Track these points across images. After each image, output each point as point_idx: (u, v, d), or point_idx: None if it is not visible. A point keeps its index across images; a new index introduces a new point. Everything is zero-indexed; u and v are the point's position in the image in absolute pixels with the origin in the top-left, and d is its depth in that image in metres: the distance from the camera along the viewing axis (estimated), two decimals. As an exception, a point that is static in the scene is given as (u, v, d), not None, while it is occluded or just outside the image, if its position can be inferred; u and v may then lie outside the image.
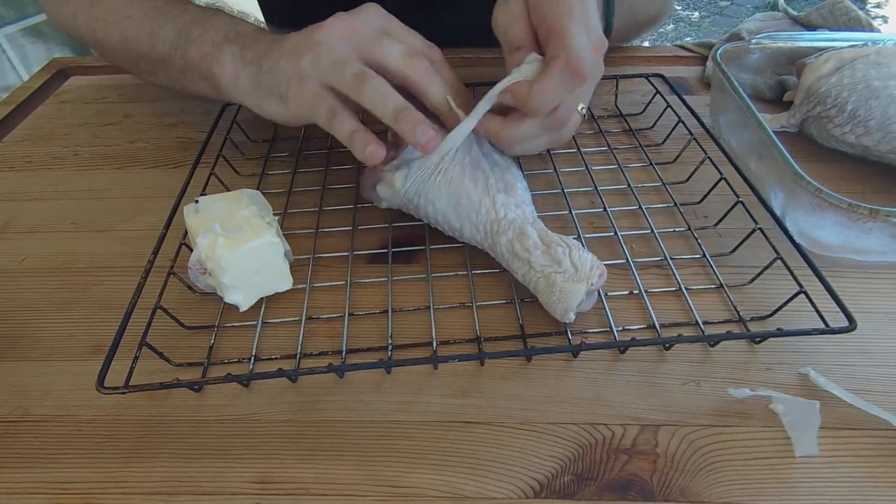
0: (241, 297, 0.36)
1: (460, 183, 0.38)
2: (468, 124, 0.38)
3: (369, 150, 0.37)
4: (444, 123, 0.40)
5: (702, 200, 0.44)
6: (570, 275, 0.34)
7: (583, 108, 0.41)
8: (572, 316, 0.34)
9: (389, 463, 0.30)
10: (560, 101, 0.37)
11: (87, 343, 0.37)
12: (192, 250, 0.36)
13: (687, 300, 0.37)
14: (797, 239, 0.37)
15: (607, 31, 0.47)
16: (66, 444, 0.32)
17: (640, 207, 0.44)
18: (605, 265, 0.40)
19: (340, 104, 0.38)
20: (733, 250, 0.40)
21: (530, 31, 0.39)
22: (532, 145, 0.41)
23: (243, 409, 0.33)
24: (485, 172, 0.39)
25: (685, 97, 0.51)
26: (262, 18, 0.79)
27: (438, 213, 0.39)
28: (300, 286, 0.39)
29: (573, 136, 0.51)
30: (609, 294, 0.38)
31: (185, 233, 0.39)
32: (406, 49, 0.38)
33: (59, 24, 0.56)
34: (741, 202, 0.41)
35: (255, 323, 0.37)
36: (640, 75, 0.57)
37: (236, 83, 0.42)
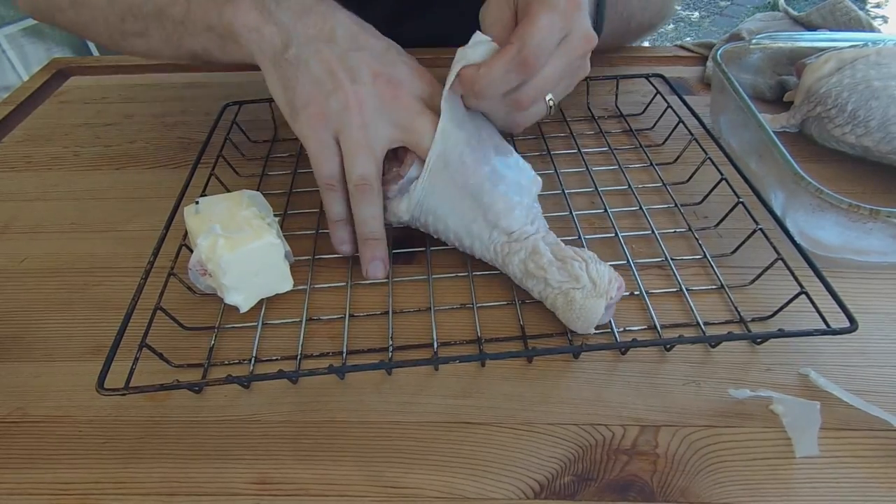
0: (242, 298, 0.36)
1: (464, 200, 0.37)
2: (441, 126, 0.36)
3: (345, 248, 0.40)
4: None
5: (702, 201, 0.44)
6: (589, 290, 0.33)
7: (551, 100, 0.39)
8: (593, 330, 0.34)
9: (389, 463, 0.30)
10: (507, 87, 0.35)
11: (86, 343, 0.37)
12: (192, 251, 0.36)
13: (688, 301, 0.37)
14: (798, 239, 0.37)
15: (597, 31, 0.47)
16: (65, 444, 0.32)
17: (641, 208, 0.44)
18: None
19: (342, 185, 0.38)
20: (734, 251, 0.40)
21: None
22: (494, 117, 0.40)
23: (243, 409, 0.33)
24: (491, 186, 0.37)
25: (685, 97, 0.51)
26: None
27: (450, 231, 0.38)
28: (301, 287, 0.39)
29: (574, 137, 0.51)
30: (609, 294, 0.38)
31: (186, 234, 0.39)
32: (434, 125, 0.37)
33: (32, 10, 0.51)
34: (742, 203, 0.41)
35: (256, 324, 0.37)
36: (641, 76, 0.57)
37: (256, 37, 0.37)
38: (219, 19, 0.38)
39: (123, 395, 0.31)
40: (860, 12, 0.60)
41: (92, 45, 1.82)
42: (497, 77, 0.34)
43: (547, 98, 0.38)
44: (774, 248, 0.38)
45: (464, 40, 0.37)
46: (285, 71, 0.37)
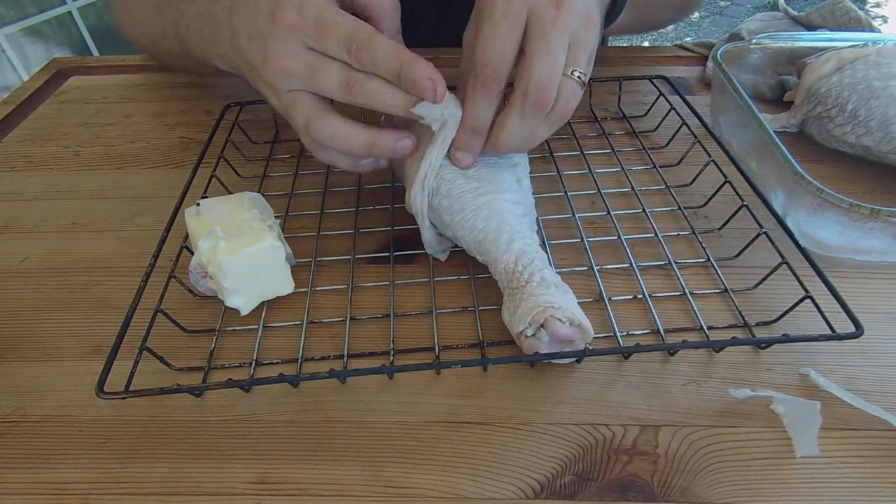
0: (242, 300, 0.36)
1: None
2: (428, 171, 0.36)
3: (402, 144, 0.36)
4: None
5: (706, 203, 0.44)
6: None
7: (577, 72, 0.34)
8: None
9: (390, 464, 0.30)
10: (530, 134, 0.35)
11: (87, 344, 0.37)
12: (192, 253, 0.36)
13: (691, 304, 0.37)
14: (798, 239, 0.37)
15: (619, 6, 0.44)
16: (65, 444, 0.32)
17: (644, 210, 0.44)
18: (609, 268, 0.40)
19: (327, 107, 0.36)
20: (738, 254, 0.40)
21: None
22: (533, 139, 0.37)
23: (243, 409, 0.33)
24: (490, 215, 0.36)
25: (686, 97, 0.51)
26: None
27: (470, 246, 0.37)
28: (302, 289, 0.39)
29: (576, 139, 0.51)
30: (613, 298, 0.38)
31: (186, 235, 0.39)
32: (342, 75, 0.34)
33: (124, 35, 0.61)
34: (746, 206, 0.41)
35: (257, 326, 0.37)
36: (644, 77, 0.57)
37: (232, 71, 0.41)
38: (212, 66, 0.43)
39: (123, 398, 0.31)
40: (860, 12, 0.60)
41: (92, 45, 1.82)
42: (477, 112, 0.34)
43: (572, 72, 0.34)
44: (778, 251, 0.37)
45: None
46: (224, 33, 0.39)
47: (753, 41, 0.54)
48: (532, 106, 0.34)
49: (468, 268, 0.40)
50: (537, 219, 0.40)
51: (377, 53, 0.33)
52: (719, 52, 0.50)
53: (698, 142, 0.48)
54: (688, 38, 2.84)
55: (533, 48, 0.33)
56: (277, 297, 0.38)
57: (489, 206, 0.36)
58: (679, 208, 0.44)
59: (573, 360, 0.34)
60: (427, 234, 0.39)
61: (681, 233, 0.42)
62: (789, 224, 0.38)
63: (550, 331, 0.31)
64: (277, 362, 0.35)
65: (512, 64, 0.34)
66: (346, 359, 0.35)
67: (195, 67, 0.52)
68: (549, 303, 0.31)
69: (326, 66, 0.35)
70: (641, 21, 0.56)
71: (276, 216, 0.40)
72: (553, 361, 0.34)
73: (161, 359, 0.34)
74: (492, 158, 0.39)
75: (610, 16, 0.45)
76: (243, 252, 0.34)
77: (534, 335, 0.31)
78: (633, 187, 0.46)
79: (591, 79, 0.42)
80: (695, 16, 3.04)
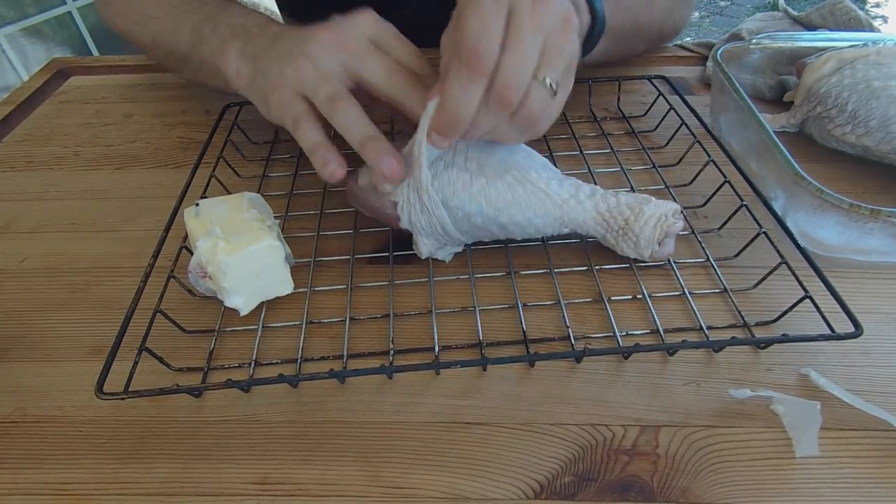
0: (242, 300, 0.36)
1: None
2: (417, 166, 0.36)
3: (328, 170, 0.36)
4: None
5: (705, 203, 0.44)
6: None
7: (549, 78, 0.32)
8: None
9: (389, 464, 0.30)
10: (474, 97, 0.32)
11: (87, 344, 0.37)
12: (192, 254, 0.36)
13: (691, 304, 0.37)
14: (798, 239, 0.37)
15: (599, 21, 0.44)
16: (65, 444, 0.32)
17: (642, 209, 0.44)
18: (608, 268, 0.40)
19: (309, 114, 0.37)
20: (738, 254, 0.40)
21: None
22: (497, 134, 0.36)
23: (243, 409, 0.33)
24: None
25: (686, 97, 0.51)
26: (275, 9, 0.79)
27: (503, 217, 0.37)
28: (301, 290, 0.39)
29: (575, 139, 0.51)
30: (612, 298, 0.38)
31: (186, 236, 0.39)
32: (390, 65, 0.37)
33: (109, 26, 0.60)
34: (745, 206, 0.41)
35: (256, 327, 0.37)
36: (643, 77, 0.57)
37: (238, 79, 0.42)
38: (218, 68, 0.44)
39: (123, 399, 0.31)
40: (860, 12, 0.60)
41: (92, 45, 1.82)
42: (456, 95, 0.31)
43: (541, 79, 0.32)
44: (778, 251, 0.37)
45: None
46: (258, 82, 0.40)
47: (753, 41, 0.54)
48: (495, 101, 0.32)
49: (468, 268, 0.40)
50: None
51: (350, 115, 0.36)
52: (719, 52, 0.50)
53: (698, 142, 0.48)
54: (688, 38, 2.84)
55: (505, 41, 0.31)
56: (277, 298, 0.38)
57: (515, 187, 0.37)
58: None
59: (573, 359, 0.34)
60: (426, 244, 0.39)
61: (680, 232, 0.42)
62: (789, 224, 0.38)
63: (675, 231, 0.37)
64: (277, 363, 0.35)
65: (497, 50, 0.31)
66: (345, 359, 0.35)
67: (188, 70, 0.52)
68: (655, 215, 0.37)
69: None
70: (617, 52, 0.56)
71: (275, 216, 0.40)
72: (553, 361, 0.34)
73: (160, 359, 0.34)
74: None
75: (587, 44, 0.45)
76: (242, 252, 0.34)
77: (658, 244, 0.37)
78: (632, 187, 0.46)
79: (590, 78, 0.42)
80: (695, 16, 3.04)
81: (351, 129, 0.36)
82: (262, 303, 0.38)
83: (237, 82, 0.42)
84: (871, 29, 0.59)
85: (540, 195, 0.37)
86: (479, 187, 0.37)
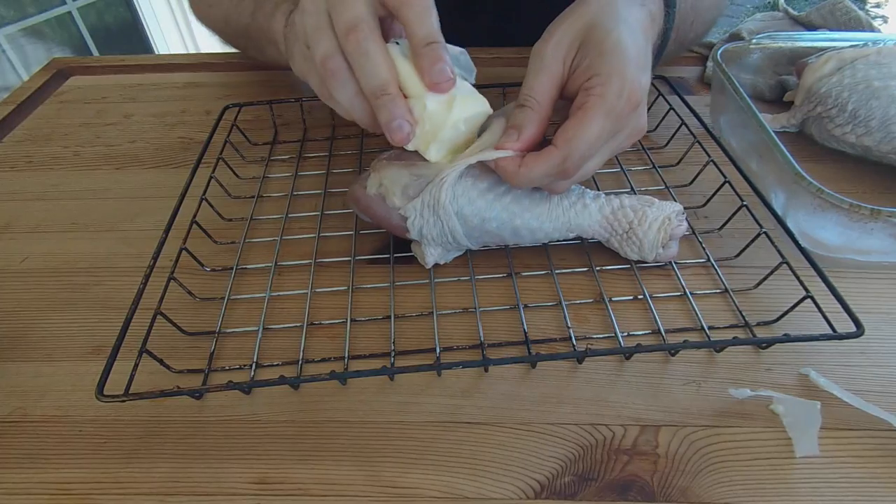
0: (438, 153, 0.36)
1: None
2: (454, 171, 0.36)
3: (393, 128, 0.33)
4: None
5: (705, 204, 0.44)
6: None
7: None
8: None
9: (389, 463, 0.30)
10: (546, 182, 0.35)
11: (87, 344, 0.37)
12: (191, 254, 0.36)
13: (692, 304, 0.37)
14: (798, 239, 0.37)
15: (665, 41, 0.43)
16: (65, 444, 0.32)
17: (642, 209, 0.44)
18: (609, 269, 0.40)
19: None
20: (738, 254, 0.40)
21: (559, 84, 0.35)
22: (548, 186, 0.37)
23: (243, 409, 0.33)
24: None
25: (685, 97, 0.51)
26: None
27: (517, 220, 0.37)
28: (302, 291, 0.39)
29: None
30: (613, 299, 0.38)
31: (186, 236, 0.39)
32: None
33: (200, 22, 0.62)
34: (745, 206, 0.41)
35: (257, 328, 0.37)
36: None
37: (285, 41, 0.42)
38: (271, 35, 0.45)
39: (123, 401, 0.31)
40: (860, 12, 0.60)
41: (92, 45, 1.83)
42: (536, 178, 0.34)
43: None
44: (779, 251, 0.37)
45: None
46: (289, 37, 0.41)
47: (753, 41, 0.54)
48: (562, 171, 0.34)
49: (469, 269, 0.40)
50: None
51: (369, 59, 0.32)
52: (719, 52, 0.50)
53: (698, 142, 0.48)
54: (688, 38, 2.83)
55: (592, 123, 0.33)
56: (278, 298, 0.38)
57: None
58: (679, 209, 0.44)
59: (574, 360, 0.34)
60: (432, 253, 0.39)
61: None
62: (789, 224, 0.38)
63: (678, 234, 0.38)
64: (278, 364, 0.35)
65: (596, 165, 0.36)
66: (346, 360, 0.35)
67: (251, 47, 0.54)
68: (658, 219, 0.37)
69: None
70: (674, 53, 0.56)
71: (275, 217, 0.40)
72: (554, 362, 0.34)
73: (161, 361, 0.34)
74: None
75: (658, 52, 0.44)
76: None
77: (662, 247, 0.38)
78: (632, 187, 0.46)
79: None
80: (695, 16, 3.03)
81: (364, 70, 0.32)
82: (264, 302, 0.38)
83: (284, 45, 0.42)
84: (872, 29, 0.59)
85: (549, 200, 0.37)
86: (497, 193, 0.37)
